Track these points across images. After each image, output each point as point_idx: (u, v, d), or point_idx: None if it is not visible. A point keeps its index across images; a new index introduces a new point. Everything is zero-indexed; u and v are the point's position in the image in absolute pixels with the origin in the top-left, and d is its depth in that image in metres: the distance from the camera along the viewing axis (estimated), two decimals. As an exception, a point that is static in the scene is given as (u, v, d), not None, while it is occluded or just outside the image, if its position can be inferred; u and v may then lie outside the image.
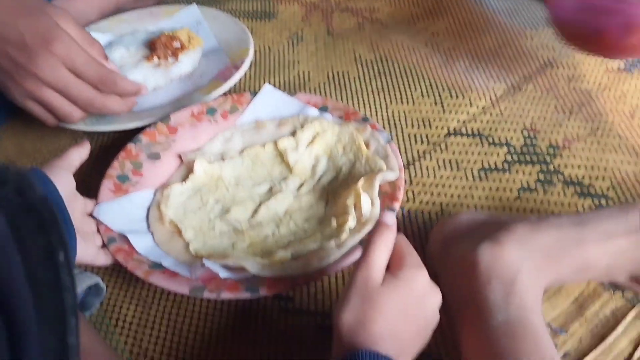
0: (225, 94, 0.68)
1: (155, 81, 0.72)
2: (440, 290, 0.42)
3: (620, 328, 0.46)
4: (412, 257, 0.42)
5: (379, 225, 0.42)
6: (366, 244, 0.41)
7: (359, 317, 0.38)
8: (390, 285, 0.39)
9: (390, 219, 0.42)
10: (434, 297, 0.41)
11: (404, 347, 0.39)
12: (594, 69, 0.69)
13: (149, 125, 0.64)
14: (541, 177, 0.58)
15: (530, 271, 0.42)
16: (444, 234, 0.48)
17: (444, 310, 0.43)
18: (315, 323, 0.50)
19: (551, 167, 0.59)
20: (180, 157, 0.62)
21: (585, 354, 0.45)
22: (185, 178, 0.60)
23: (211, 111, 0.65)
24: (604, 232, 0.44)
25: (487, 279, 0.42)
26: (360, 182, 0.53)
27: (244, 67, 0.71)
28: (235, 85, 0.72)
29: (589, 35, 0.57)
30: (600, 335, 0.46)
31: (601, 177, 0.57)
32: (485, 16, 0.79)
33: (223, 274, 0.48)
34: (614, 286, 0.48)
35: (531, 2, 0.82)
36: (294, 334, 0.49)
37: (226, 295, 0.47)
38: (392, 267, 0.41)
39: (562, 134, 0.62)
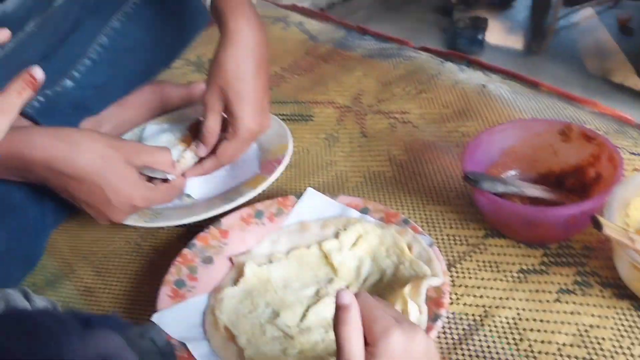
0: (271, 198, 0.72)
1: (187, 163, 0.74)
2: None
3: None
4: (381, 321, 0.40)
5: (338, 310, 0.40)
6: (336, 336, 0.40)
7: None
8: None
9: (346, 298, 0.40)
10: (418, 344, 0.40)
11: None
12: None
13: (202, 229, 0.67)
14: (578, 279, 0.60)
15: None
16: None
17: None
18: None
19: (587, 269, 0.61)
20: (231, 260, 0.66)
21: None
22: (236, 281, 0.63)
23: (259, 214, 0.69)
24: None
25: None
26: (407, 289, 0.55)
27: (285, 162, 0.75)
28: (275, 182, 0.74)
29: (502, 227, 0.66)
30: None
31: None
32: (512, 117, 0.83)
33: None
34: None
35: (556, 102, 0.86)
36: None
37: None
38: (367, 339, 0.40)
39: (594, 234, 0.64)
